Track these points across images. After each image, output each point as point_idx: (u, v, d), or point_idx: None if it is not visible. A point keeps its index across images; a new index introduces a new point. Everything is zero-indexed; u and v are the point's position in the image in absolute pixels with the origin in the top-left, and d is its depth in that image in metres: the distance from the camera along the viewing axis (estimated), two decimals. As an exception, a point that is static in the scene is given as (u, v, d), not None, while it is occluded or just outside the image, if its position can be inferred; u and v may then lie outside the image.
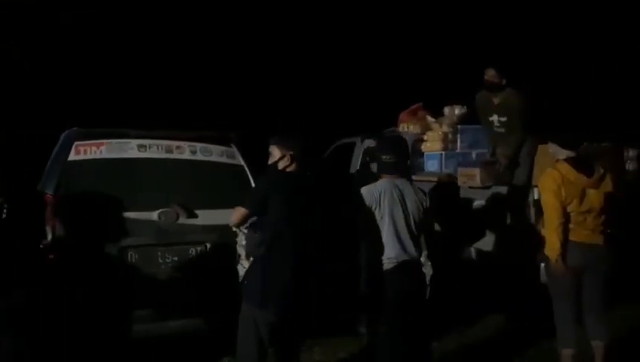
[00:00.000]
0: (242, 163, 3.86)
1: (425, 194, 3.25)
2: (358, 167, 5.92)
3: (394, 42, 11.16)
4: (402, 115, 5.95)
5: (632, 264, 4.13)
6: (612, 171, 4.40)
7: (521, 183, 4.46)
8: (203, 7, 10.52)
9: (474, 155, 5.32)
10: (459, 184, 4.74)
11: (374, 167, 4.29)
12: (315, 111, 10.34)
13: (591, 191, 3.20)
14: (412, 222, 3.06)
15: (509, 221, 4.29)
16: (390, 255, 3.01)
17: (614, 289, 3.39)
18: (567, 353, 3.22)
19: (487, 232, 4.37)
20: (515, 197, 4.28)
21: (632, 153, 4.78)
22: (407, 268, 3.04)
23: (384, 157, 3.15)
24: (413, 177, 5.25)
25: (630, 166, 4.77)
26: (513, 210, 4.22)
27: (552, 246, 3.16)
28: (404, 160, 3.34)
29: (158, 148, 3.73)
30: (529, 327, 4.12)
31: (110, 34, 9.71)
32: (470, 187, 4.63)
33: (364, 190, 3.10)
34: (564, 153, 3.28)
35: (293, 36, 10.76)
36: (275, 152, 2.98)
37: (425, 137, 5.50)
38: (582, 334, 3.28)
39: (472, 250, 4.56)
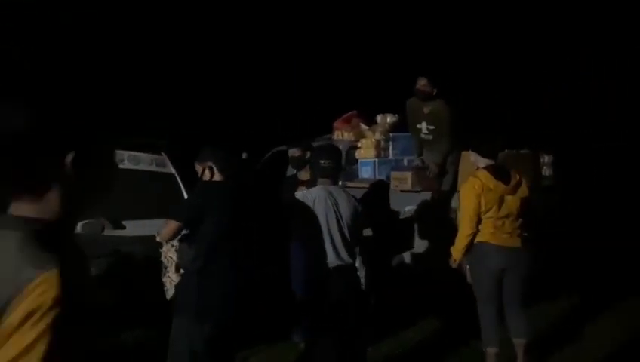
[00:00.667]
0: (173, 171, 3.76)
1: (357, 200, 3.32)
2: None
3: (328, 50, 11.29)
4: (337, 123, 6.04)
5: (549, 265, 4.43)
6: (529, 176, 4.79)
7: (447, 189, 4.66)
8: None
9: (405, 162, 5.49)
10: (392, 187, 4.88)
11: (301, 174, 4.35)
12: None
13: (509, 198, 3.40)
14: (345, 228, 3.11)
15: (436, 226, 4.46)
16: (325, 261, 3.04)
17: (533, 288, 3.63)
18: (491, 351, 3.41)
19: (417, 237, 4.54)
20: (441, 203, 4.47)
21: (547, 159, 5.13)
22: (342, 273, 3.09)
23: (322, 162, 3.20)
24: (348, 183, 5.40)
25: (546, 171, 5.11)
26: (440, 216, 4.40)
27: (459, 250, 3.44)
28: (338, 167, 3.43)
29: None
30: (459, 328, 4.26)
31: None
32: (402, 191, 4.79)
33: (298, 196, 3.13)
34: (483, 161, 3.47)
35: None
36: (197, 168, 2.98)
37: (359, 145, 5.61)
38: (505, 333, 3.48)
39: (405, 255, 4.72)
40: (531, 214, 3.54)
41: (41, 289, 0.76)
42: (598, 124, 9.82)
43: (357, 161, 5.62)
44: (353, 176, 5.58)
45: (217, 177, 2.91)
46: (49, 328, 0.75)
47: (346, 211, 3.14)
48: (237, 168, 5.19)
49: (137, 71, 9.52)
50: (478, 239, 3.41)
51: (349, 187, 5.31)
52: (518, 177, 3.49)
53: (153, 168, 3.72)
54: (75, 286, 0.79)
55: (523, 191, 3.47)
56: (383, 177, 5.44)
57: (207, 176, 2.89)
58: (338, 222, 3.09)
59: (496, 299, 3.45)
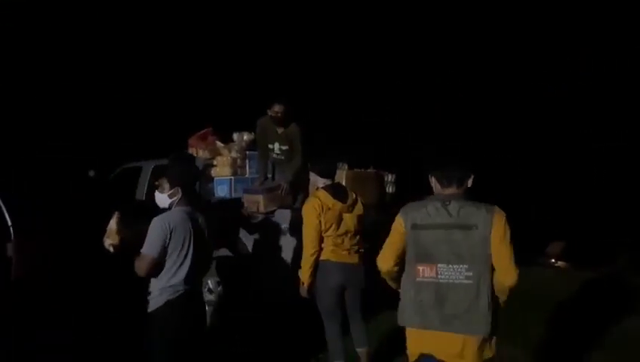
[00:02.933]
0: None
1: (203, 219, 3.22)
2: (146, 192, 5.62)
3: (183, 64, 10.99)
4: (191, 140, 5.86)
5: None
6: (374, 194, 5.13)
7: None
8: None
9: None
10: (243, 211, 4.87)
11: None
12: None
13: (346, 215, 3.55)
14: (199, 251, 2.97)
15: (289, 243, 4.54)
16: (174, 283, 2.87)
17: (372, 301, 3.77)
18: None
19: (268, 254, 4.58)
20: (296, 220, 4.55)
21: (390, 177, 5.59)
22: (190, 298, 2.95)
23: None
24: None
25: (390, 188, 5.55)
26: (295, 233, 4.48)
27: (305, 271, 3.50)
28: (193, 184, 3.25)
29: None
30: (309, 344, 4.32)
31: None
32: (253, 213, 4.82)
33: (156, 221, 2.84)
34: (322, 181, 3.59)
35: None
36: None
37: (214, 162, 5.51)
38: (350, 345, 3.65)
39: (260, 273, 4.72)
40: (370, 231, 3.65)
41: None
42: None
43: (212, 179, 5.51)
44: (209, 194, 5.47)
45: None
46: None
47: (200, 233, 2.96)
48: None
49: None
50: (321, 257, 3.49)
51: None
52: (354, 195, 3.65)
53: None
54: None
55: (359, 208, 3.63)
56: (240, 196, 5.42)
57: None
58: (194, 245, 2.87)
59: (338, 314, 3.58)
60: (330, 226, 3.48)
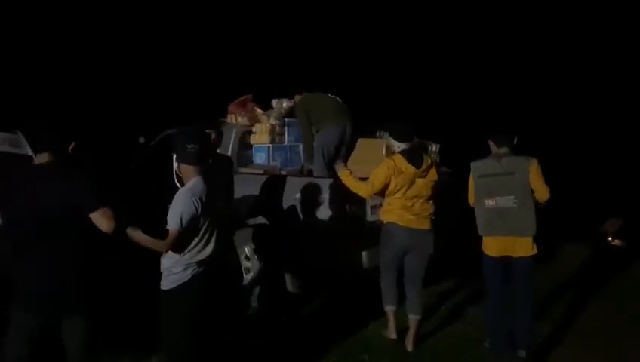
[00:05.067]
0: (30, 153, 3.30)
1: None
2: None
3: (224, 32, 10.93)
4: (231, 106, 5.77)
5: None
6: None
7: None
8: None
9: (301, 148, 5.43)
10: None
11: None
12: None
13: (419, 180, 3.65)
14: (216, 219, 2.81)
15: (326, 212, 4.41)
16: (201, 258, 2.72)
17: (433, 268, 3.90)
18: (390, 309, 3.83)
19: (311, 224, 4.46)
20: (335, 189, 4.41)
21: (435, 147, 5.35)
22: (211, 268, 2.80)
23: (189, 146, 2.74)
24: (241, 170, 5.20)
25: (434, 158, 5.30)
26: (334, 202, 4.34)
27: (344, 182, 3.81)
28: (205, 152, 3.08)
29: None
30: (357, 312, 4.36)
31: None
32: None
33: (182, 193, 2.69)
34: (397, 145, 3.72)
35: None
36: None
37: (253, 129, 5.42)
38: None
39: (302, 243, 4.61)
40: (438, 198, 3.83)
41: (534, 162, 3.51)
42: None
43: (251, 146, 5.43)
44: (247, 161, 5.39)
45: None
46: None
47: (214, 201, 2.81)
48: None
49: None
50: (387, 219, 3.70)
51: (243, 173, 5.16)
52: (429, 161, 3.73)
53: (6, 148, 3.22)
54: None
55: (433, 174, 3.73)
56: (278, 163, 5.32)
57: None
58: (212, 212, 2.75)
59: (394, 270, 3.79)
60: (400, 189, 3.61)
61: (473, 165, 3.58)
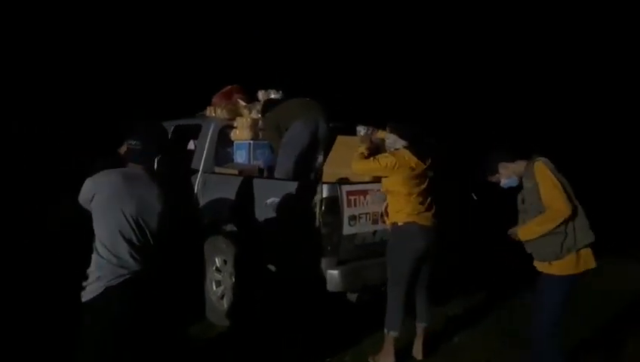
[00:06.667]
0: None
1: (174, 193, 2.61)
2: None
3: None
4: (215, 98, 5.22)
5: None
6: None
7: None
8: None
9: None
10: None
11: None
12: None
13: (428, 178, 3.46)
14: (143, 226, 2.40)
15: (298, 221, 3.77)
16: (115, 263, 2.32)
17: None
18: (393, 335, 3.43)
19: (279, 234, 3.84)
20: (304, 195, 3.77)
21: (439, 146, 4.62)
22: (136, 283, 2.34)
23: (132, 143, 2.54)
24: (217, 169, 4.64)
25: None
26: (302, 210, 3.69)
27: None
28: (153, 150, 2.65)
29: None
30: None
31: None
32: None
33: (88, 181, 2.43)
34: (400, 143, 3.48)
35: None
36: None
37: (235, 124, 4.84)
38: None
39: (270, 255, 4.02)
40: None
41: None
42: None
43: (232, 142, 4.85)
44: (227, 160, 4.82)
45: None
46: None
47: (146, 204, 2.43)
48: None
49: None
50: (402, 220, 3.37)
51: (217, 173, 4.60)
52: (430, 158, 3.52)
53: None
54: None
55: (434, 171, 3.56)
56: (260, 162, 4.72)
57: None
58: (132, 216, 2.39)
59: (411, 281, 3.44)
60: (412, 185, 3.37)
61: (543, 160, 2.87)
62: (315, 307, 4.11)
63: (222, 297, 4.20)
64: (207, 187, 4.49)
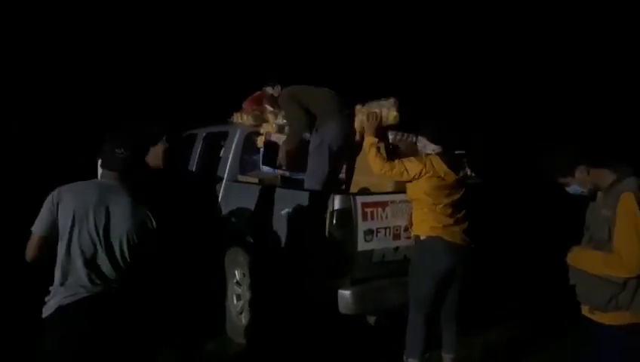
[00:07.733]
0: None
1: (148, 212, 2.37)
2: (197, 159, 5.02)
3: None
4: (245, 103, 5.10)
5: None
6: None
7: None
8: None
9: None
10: None
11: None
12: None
13: (459, 189, 3.11)
14: (112, 242, 2.20)
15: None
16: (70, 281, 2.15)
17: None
18: None
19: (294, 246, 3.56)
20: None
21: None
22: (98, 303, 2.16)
23: (118, 151, 2.33)
24: (240, 177, 4.46)
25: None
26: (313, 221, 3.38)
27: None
28: (136, 159, 2.48)
29: None
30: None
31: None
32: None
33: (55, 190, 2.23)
34: (430, 148, 3.16)
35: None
36: None
37: (261, 130, 4.64)
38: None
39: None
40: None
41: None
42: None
43: (259, 150, 4.66)
44: (254, 167, 4.64)
45: None
46: None
47: (120, 220, 2.22)
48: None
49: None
50: (426, 233, 3.05)
51: (240, 182, 4.42)
52: (465, 168, 3.27)
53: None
54: None
55: (467, 182, 3.23)
56: (286, 170, 4.48)
57: None
58: (99, 233, 2.19)
59: (435, 303, 3.12)
60: (440, 196, 3.04)
61: (635, 190, 2.18)
62: (331, 328, 3.76)
63: (241, 312, 4.01)
64: (229, 196, 4.33)
